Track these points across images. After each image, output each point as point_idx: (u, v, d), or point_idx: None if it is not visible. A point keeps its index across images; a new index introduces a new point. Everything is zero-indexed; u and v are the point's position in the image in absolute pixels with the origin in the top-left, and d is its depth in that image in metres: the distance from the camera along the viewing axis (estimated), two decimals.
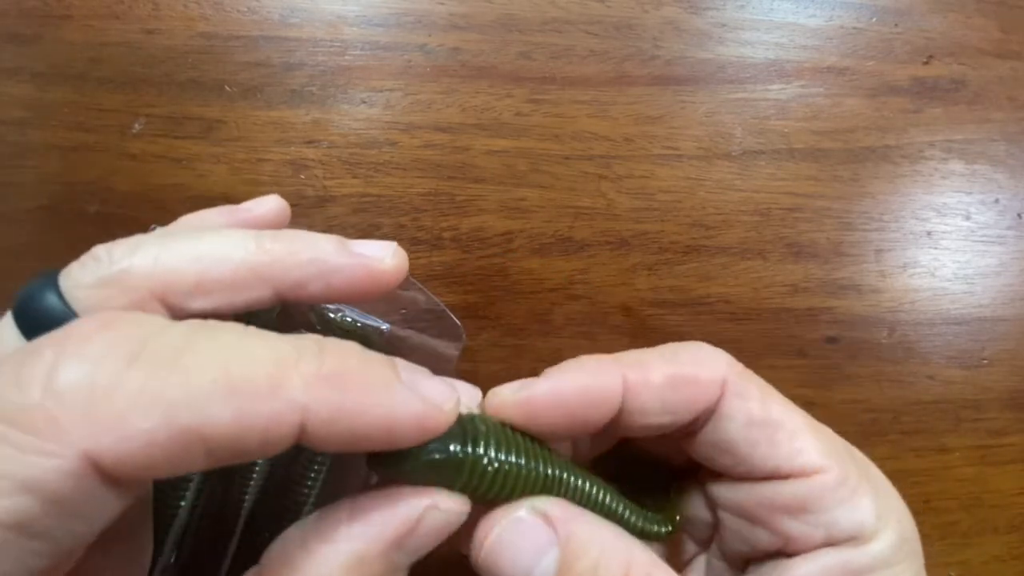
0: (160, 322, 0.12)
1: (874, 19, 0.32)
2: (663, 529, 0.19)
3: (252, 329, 0.13)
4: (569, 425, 0.17)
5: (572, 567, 0.15)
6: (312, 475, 0.22)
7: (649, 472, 0.21)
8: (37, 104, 0.28)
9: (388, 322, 0.25)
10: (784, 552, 0.18)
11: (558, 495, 0.16)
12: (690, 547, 0.21)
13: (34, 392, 0.11)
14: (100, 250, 0.16)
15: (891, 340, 0.30)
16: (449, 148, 0.29)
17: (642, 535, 0.18)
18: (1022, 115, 0.32)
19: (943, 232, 0.30)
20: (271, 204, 0.20)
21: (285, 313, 0.22)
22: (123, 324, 0.12)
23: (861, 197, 0.30)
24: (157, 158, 0.28)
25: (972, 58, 0.32)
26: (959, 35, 0.32)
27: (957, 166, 0.31)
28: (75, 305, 0.15)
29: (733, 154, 0.30)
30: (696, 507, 0.21)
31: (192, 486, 0.21)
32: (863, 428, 0.30)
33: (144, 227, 0.19)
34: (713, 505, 0.20)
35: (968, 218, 0.31)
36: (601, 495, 0.17)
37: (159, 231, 0.18)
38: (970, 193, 0.31)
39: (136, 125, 0.28)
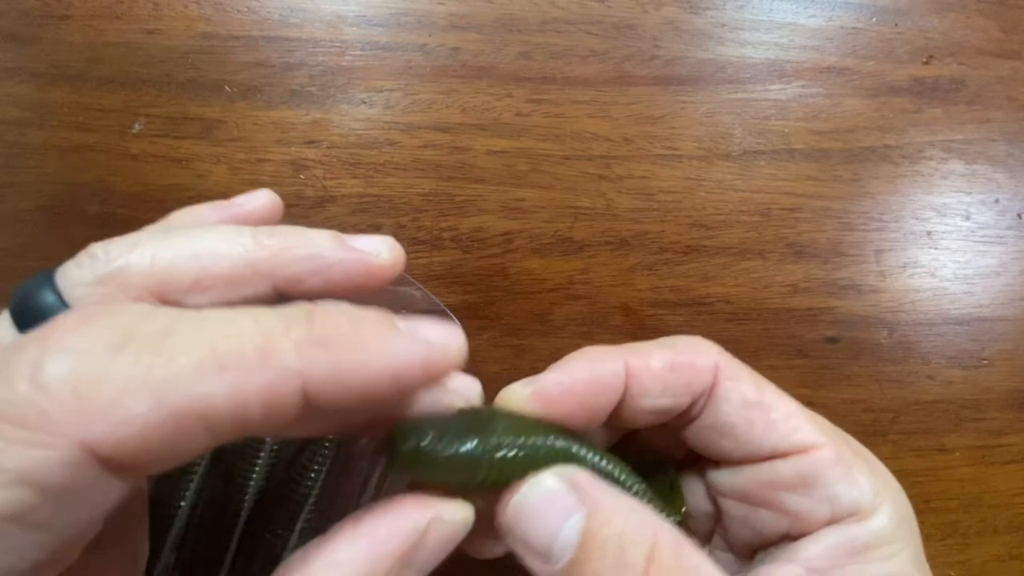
0: (144, 309, 0.12)
1: (874, 19, 0.32)
2: (672, 518, 0.20)
3: (239, 308, 0.13)
4: (580, 411, 0.18)
5: (597, 534, 0.15)
6: (312, 475, 0.22)
7: (651, 466, 0.21)
8: (37, 104, 0.28)
9: None
10: (790, 535, 0.18)
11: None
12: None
13: (20, 386, 0.11)
14: (97, 248, 0.16)
15: (891, 340, 0.30)
16: (449, 148, 0.29)
17: None
18: (1022, 115, 0.32)
19: (943, 232, 0.30)
20: (263, 199, 0.20)
21: None
22: (105, 315, 0.12)
23: (861, 197, 0.30)
24: (157, 158, 0.28)
25: (972, 58, 0.32)
26: (959, 35, 0.32)
27: (957, 166, 0.31)
28: (73, 303, 0.15)
29: (733, 154, 0.30)
30: (697, 500, 0.21)
31: (192, 487, 0.21)
32: (863, 428, 0.30)
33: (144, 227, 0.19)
34: (715, 495, 0.20)
35: (968, 218, 0.31)
36: (620, 474, 0.18)
37: (153, 227, 0.18)
38: (970, 193, 0.31)
39: (136, 125, 0.28)
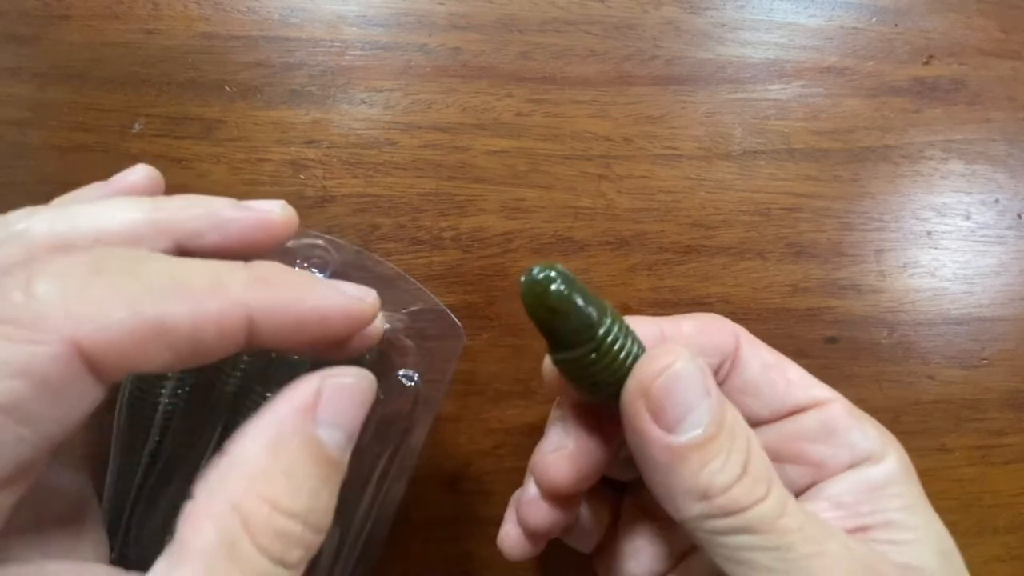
0: (112, 250, 0.14)
1: (874, 19, 0.32)
2: None
3: (188, 258, 0.15)
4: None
5: (722, 418, 0.17)
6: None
7: None
8: (37, 104, 0.28)
9: (387, 322, 0.25)
10: (814, 484, 0.20)
11: None
12: None
13: (16, 296, 0.12)
14: None
15: (891, 340, 0.30)
16: (449, 148, 0.29)
17: None
18: (1022, 115, 0.32)
19: (943, 232, 0.30)
20: (142, 172, 0.21)
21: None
22: (79, 252, 0.14)
23: (861, 197, 0.30)
24: (157, 158, 0.28)
25: (972, 58, 0.32)
26: (959, 35, 0.32)
27: (957, 166, 0.31)
28: None
29: (733, 154, 0.30)
30: None
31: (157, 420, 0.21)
32: None
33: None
34: None
35: (968, 218, 0.31)
36: None
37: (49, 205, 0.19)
38: (970, 193, 0.31)
39: (136, 125, 0.28)
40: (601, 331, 0.17)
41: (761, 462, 0.17)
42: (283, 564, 0.14)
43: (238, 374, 0.21)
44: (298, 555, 0.14)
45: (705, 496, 0.16)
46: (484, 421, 0.28)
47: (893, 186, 0.30)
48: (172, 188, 0.28)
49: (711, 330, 0.21)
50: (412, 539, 0.28)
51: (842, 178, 0.30)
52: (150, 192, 0.21)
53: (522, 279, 0.17)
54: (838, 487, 0.20)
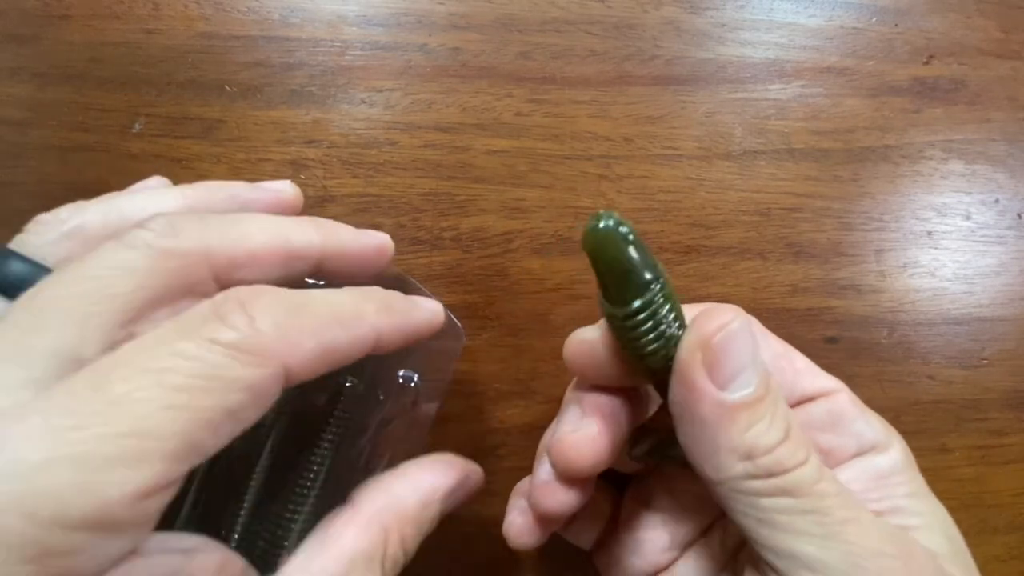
0: (277, 290, 0.17)
1: (874, 19, 0.32)
2: None
3: (329, 290, 0.19)
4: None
5: (769, 380, 0.18)
6: (315, 462, 0.22)
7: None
8: (37, 104, 0.28)
9: None
10: None
11: None
12: None
13: (246, 331, 0.16)
14: (45, 216, 0.20)
15: (891, 340, 0.30)
16: (449, 148, 0.29)
17: None
18: (1022, 115, 0.32)
19: (943, 232, 0.30)
20: (152, 182, 0.24)
21: None
22: (266, 293, 0.17)
23: (861, 197, 0.30)
24: (157, 158, 0.28)
25: (972, 58, 0.32)
26: (959, 35, 0.32)
27: (957, 166, 0.31)
28: (46, 262, 0.18)
29: (733, 154, 0.30)
30: None
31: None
32: None
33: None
34: None
35: (968, 218, 0.31)
36: None
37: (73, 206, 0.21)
38: (970, 193, 0.31)
39: (136, 125, 0.28)
40: (659, 284, 0.17)
41: (800, 429, 0.18)
42: None
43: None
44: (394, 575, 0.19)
45: (749, 456, 0.17)
46: (484, 421, 0.28)
47: (893, 186, 0.30)
48: None
49: (721, 312, 0.22)
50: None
51: (842, 178, 0.30)
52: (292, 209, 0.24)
53: (587, 225, 0.17)
54: (846, 475, 0.20)
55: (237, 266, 0.18)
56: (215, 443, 0.15)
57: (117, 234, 0.17)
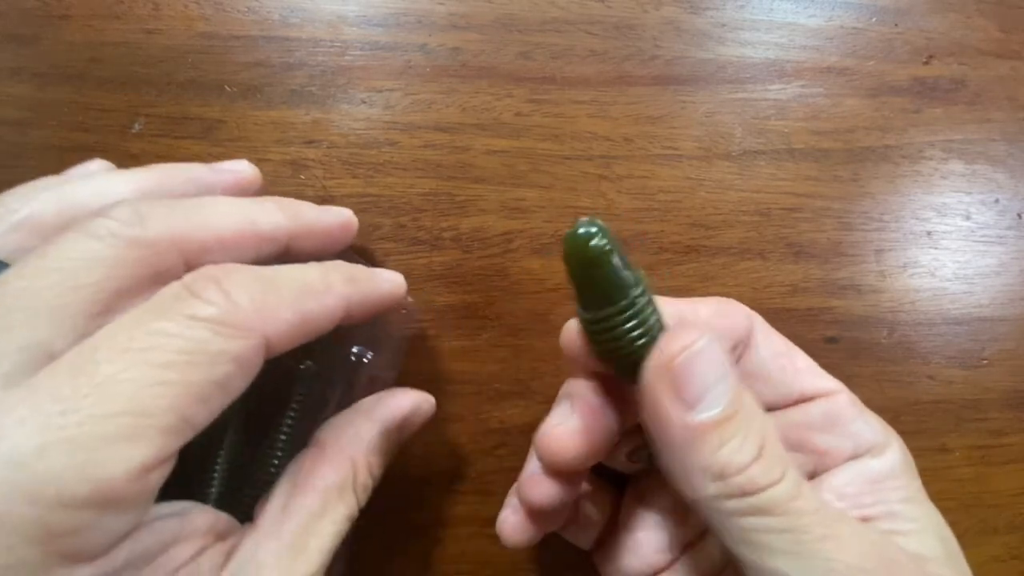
0: (247, 267, 0.18)
1: (874, 19, 0.32)
2: None
3: (295, 265, 0.19)
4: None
5: (739, 397, 0.17)
6: (294, 404, 0.24)
7: None
8: (37, 104, 0.28)
9: None
10: (816, 473, 0.21)
11: None
12: None
13: (224, 306, 0.16)
14: None
15: (891, 340, 0.30)
16: (449, 148, 0.29)
17: None
18: (1022, 115, 0.32)
19: (943, 232, 0.30)
20: (94, 166, 0.24)
21: None
22: (237, 270, 0.17)
23: (861, 197, 0.30)
24: (157, 158, 0.28)
25: (972, 58, 0.32)
26: (959, 35, 0.32)
27: (957, 166, 0.31)
28: None
29: (733, 154, 0.30)
30: None
31: None
32: None
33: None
34: None
35: (968, 218, 0.31)
36: None
37: (23, 187, 0.21)
38: (970, 193, 0.31)
39: (136, 125, 0.28)
40: (633, 294, 0.17)
41: (776, 445, 0.17)
42: (360, 506, 0.21)
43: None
44: (366, 499, 0.21)
45: (721, 475, 0.16)
46: (484, 421, 0.28)
47: (893, 186, 0.30)
48: None
49: (727, 313, 0.21)
50: (411, 539, 0.28)
51: (842, 178, 0.30)
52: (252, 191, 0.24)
53: (568, 233, 0.17)
54: (841, 478, 0.20)
55: (206, 251, 0.18)
56: (208, 414, 0.16)
57: (74, 223, 0.17)
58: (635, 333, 0.17)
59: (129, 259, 0.17)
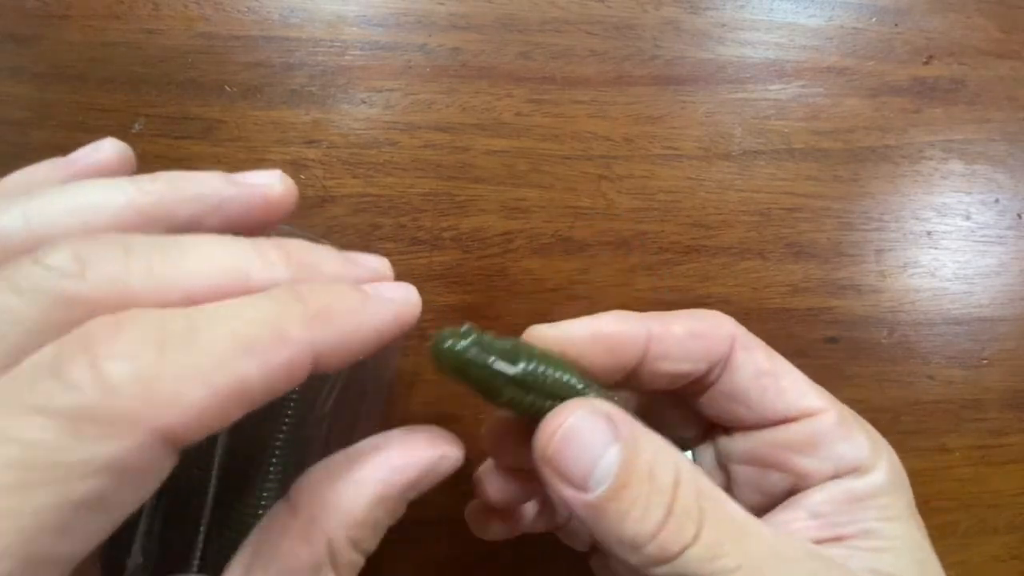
0: (157, 312, 0.13)
1: (874, 19, 0.32)
2: None
3: (236, 300, 0.14)
4: (598, 359, 0.19)
5: (632, 463, 0.16)
6: (276, 442, 0.22)
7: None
8: (37, 104, 0.28)
9: None
10: (794, 491, 0.20)
11: None
12: None
13: (91, 392, 0.12)
14: None
15: (891, 340, 0.30)
16: (449, 148, 0.29)
17: None
18: (1022, 115, 0.32)
19: (943, 232, 0.30)
20: (109, 148, 0.19)
21: None
22: (131, 321, 0.13)
23: (861, 197, 0.30)
24: (157, 158, 0.28)
25: (972, 58, 0.32)
26: (959, 35, 0.32)
27: (957, 166, 0.31)
28: None
29: (733, 154, 0.30)
30: (708, 472, 0.22)
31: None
32: None
33: None
34: (726, 463, 0.21)
35: (968, 218, 0.31)
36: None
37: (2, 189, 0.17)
38: (970, 193, 0.31)
39: (136, 125, 0.28)
40: (519, 376, 0.17)
41: (690, 498, 0.16)
42: None
43: None
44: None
45: (634, 546, 0.16)
46: (484, 421, 0.28)
47: (893, 186, 0.30)
48: None
49: (702, 334, 0.20)
50: (411, 539, 0.28)
51: (842, 178, 0.30)
52: (122, 173, 0.19)
53: (432, 347, 0.17)
54: (818, 496, 0.19)
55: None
56: (84, 542, 0.12)
57: (38, 248, 0.14)
58: (542, 407, 0.17)
59: (52, 322, 0.13)
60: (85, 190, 0.16)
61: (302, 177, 0.29)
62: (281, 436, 0.22)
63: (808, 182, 0.30)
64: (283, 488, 0.20)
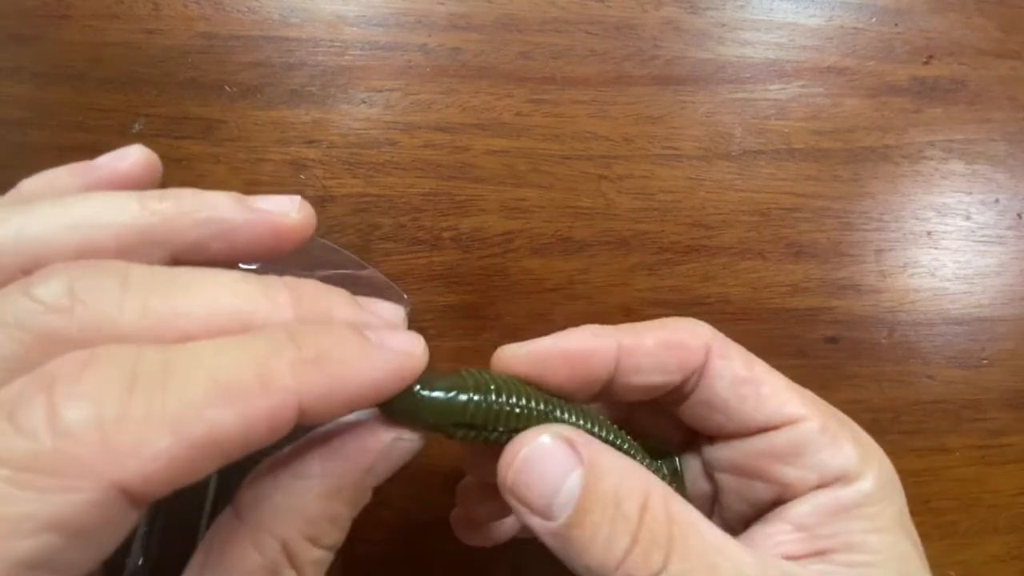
0: (133, 349, 0.12)
1: (874, 19, 0.32)
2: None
3: (223, 337, 0.13)
4: (568, 378, 0.18)
5: (595, 489, 0.15)
6: (278, 443, 0.22)
7: (653, 452, 0.22)
8: (37, 104, 0.28)
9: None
10: (780, 500, 0.19)
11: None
12: None
13: (44, 438, 0.11)
14: None
15: (891, 340, 0.30)
16: (449, 148, 0.29)
17: None
18: (1022, 115, 0.32)
19: (943, 232, 0.30)
20: (136, 156, 0.18)
21: None
22: (102, 358, 0.12)
23: (861, 197, 0.30)
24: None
25: (972, 58, 0.32)
26: (959, 35, 0.32)
27: (957, 166, 0.31)
28: None
29: (733, 154, 0.30)
30: (695, 480, 0.22)
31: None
32: (863, 428, 0.30)
33: None
34: (711, 471, 0.21)
35: (968, 218, 0.31)
36: (614, 437, 0.19)
37: (5, 198, 0.17)
38: (970, 193, 0.31)
39: (136, 125, 0.28)
40: (458, 429, 0.16)
41: (659, 525, 0.15)
42: None
43: None
44: (323, 572, 0.15)
45: (603, 572, 0.15)
46: None
47: (893, 186, 0.30)
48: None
49: (675, 344, 0.19)
50: (411, 539, 0.28)
51: (842, 178, 0.30)
52: (146, 182, 0.18)
53: (396, 407, 0.16)
54: (802, 508, 0.19)
55: None
56: None
57: (32, 266, 0.13)
58: (499, 438, 0.17)
59: (30, 360, 0.12)
60: (88, 205, 0.15)
61: (302, 177, 0.29)
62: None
63: (808, 182, 0.30)
64: None
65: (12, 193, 0.17)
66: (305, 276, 0.16)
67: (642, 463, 0.19)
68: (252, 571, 0.14)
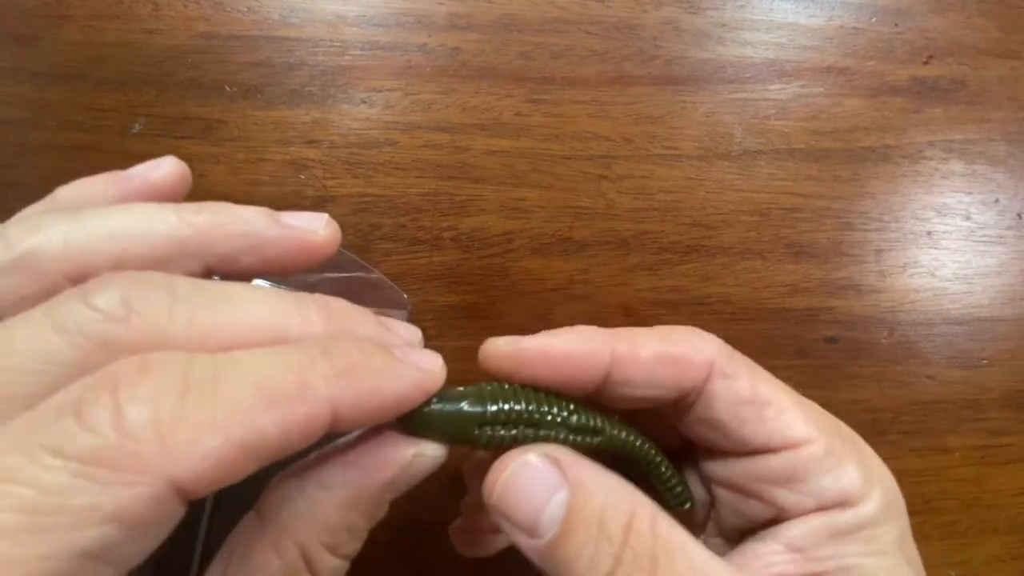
0: (184, 356, 0.13)
1: (874, 19, 0.32)
2: (684, 505, 0.20)
3: (263, 348, 0.14)
4: (553, 381, 0.18)
5: (579, 509, 0.16)
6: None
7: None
8: (37, 104, 0.28)
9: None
10: (777, 521, 0.19)
11: (586, 442, 0.18)
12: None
13: (109, 434, 0.11)
14: None
15: (891, 340, 0.30)
16: (449, 148, 0.29)
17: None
18: (1022, 115, 0.32)
19: (943, 232, 0.30)
20: (169, 167, 0.19)
21: None
22: (158, 363, 0.13)
23: (861, 197, 0.30)
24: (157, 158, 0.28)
25: (972, 58, 0.32)
26: (959, 35, 0.32)
27: (957, 166, 0.31)
28: None
29: (733, 154, 0.30)
30: (694, 487, 0.21)
31: None
32: (863, 428, 0.29)
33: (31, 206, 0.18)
34: (708, 482, 0.21)
35: (968, 218, 0.31)
36: (642, 447, 0.19)
37: (41, 205, 0.17)
38: (970, 193, 0.31)
39: (136, 125, 0.28)
40: (485, 418, 0.17)
41: (643, 546, 0.15)
42: None
43: None
44: None
45: None
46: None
47: (893, 186, 0.30)
48: None
49: (674, 360, 0.19)
50: (411, 539, 0.28)
51: (842, 178, 0.30)
52: (176, 192, 0.19)
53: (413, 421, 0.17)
54: (799, 529, 0.18)
55: (91, 276, 0.14)
56: None
57: (76, 273, 0.14)
58: (515, 440, 0.17)
59: (88, 364, 0.13)
60: (129, 216, 0.16)
61: (302, 177, 0.29)
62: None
63: (808, 182, 0.30)
64: None
65: (48, 199, 0.18)
66: (314, 278, 0.17)
67: (654, 472, 0.19)
68: (271, 574, 0.15)
